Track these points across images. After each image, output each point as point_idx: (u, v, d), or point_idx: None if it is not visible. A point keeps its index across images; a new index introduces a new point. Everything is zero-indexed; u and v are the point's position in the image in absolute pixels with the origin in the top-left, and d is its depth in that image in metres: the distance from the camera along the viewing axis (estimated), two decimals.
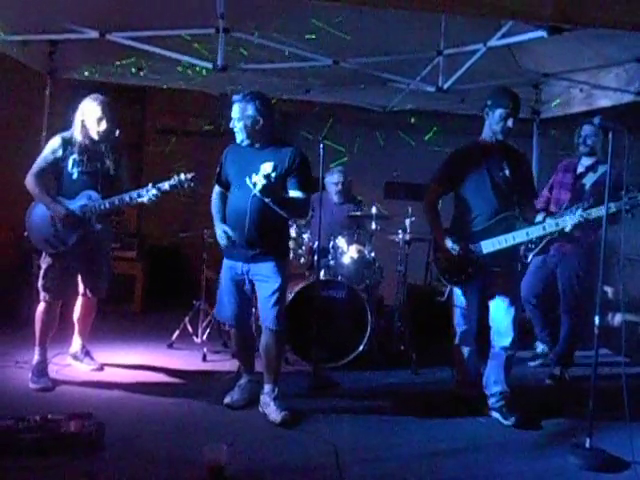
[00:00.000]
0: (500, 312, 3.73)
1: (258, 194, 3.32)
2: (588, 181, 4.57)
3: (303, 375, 4.37)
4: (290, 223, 4.45)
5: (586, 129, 4.58)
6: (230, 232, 3.55)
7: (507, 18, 3.84)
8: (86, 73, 5.61)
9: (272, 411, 3.59)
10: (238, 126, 3.55)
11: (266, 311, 3.62)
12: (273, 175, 3.39)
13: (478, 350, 3.91)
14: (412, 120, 6.87)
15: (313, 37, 4.54)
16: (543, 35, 3.68)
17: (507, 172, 3.69)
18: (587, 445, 3.24)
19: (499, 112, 3.62)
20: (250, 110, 3.50)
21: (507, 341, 3.71)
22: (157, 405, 3.78)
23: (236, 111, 3.54)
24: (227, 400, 3.78)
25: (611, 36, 4.25)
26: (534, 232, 3.68)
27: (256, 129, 3.54)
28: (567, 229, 3.61)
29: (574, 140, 4.67)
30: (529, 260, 4.75)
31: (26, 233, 4.07)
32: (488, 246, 3.65)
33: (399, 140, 7.33)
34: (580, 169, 4.66)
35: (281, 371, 3.80)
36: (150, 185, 3.87)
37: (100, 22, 4.44)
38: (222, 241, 3.62)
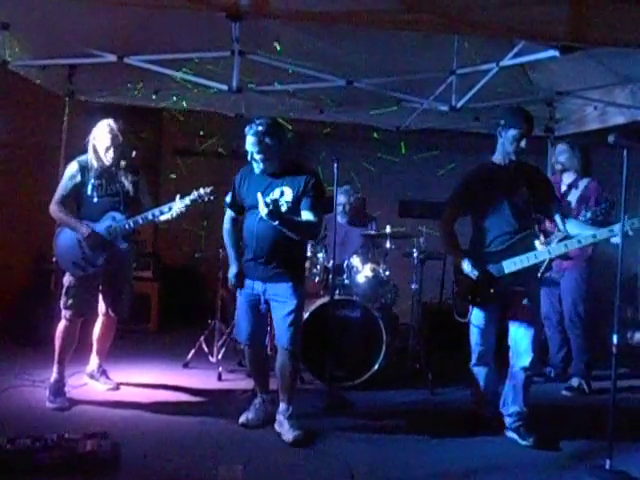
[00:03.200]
0: (520, 332, 3.70)
1: (265, 217, 3.33)
2: (572, 198, 4.76)
3: (318, 394, 4.35)
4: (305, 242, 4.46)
5: (559, 147, 4.92)
6: (234, 280, 3.72)
7: (520, 38, 3.85)
8: (103, 96, 5.71)
9: (286, 430, 3.59)
10: (257, 157, 3.53)
11: (282, 331, 3.63)
12: (283, 200, 3.46)
13: (496, 370, 3.87)
14: (425, 139, 6.89)
15: (326, 58, 4.59)
16: (555, 54, 3.69)
17: (525, 191, 3.64)
18: (607, 466, 3.18)
19: (512, 133, 3.59)
20: (268, 140, 3.49)
21: (526, 361, 3.67)
22: (173, 425, 3.78)
23: (252, 142, 3.50)
24: (242, 420, 3.78)
25: (625, 53, 4.25)
26: (556, 250, 3.61)
27: (274, 157, 3.56)
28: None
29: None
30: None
31: (55, 259, 4.17)
32: (510, 265, 3.61)
33: (413, 159, 7.34)
34: (563, 187, 4.85)
35: (296, 390, 3.80)
36: (177, 197, 3.93)
37: (118, 46, 4.53)
38: (231, 280, 3.76)
